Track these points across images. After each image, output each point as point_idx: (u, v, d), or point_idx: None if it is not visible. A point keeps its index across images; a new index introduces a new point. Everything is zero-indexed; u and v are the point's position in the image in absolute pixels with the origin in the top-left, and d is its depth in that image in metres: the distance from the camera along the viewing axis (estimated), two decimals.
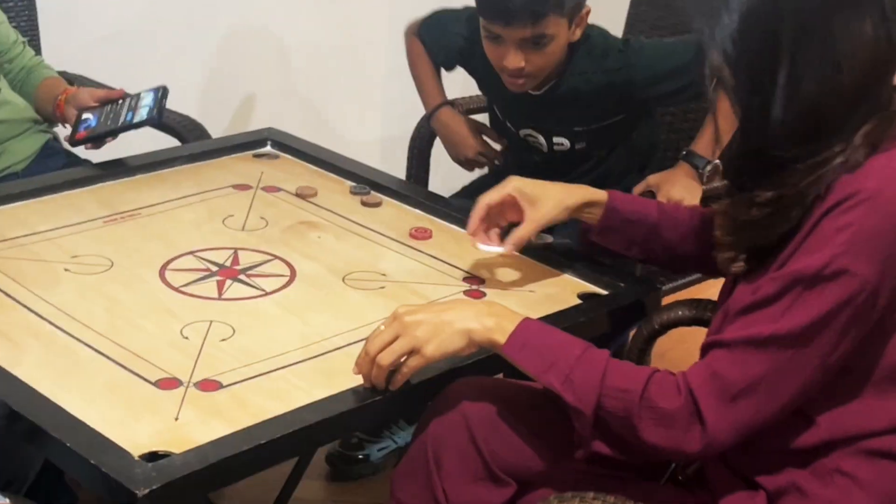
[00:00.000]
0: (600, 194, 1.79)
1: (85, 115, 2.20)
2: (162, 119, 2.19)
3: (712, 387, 1.39)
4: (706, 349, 1.43)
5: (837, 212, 1.34)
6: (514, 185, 1.80)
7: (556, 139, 2.35)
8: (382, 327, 1.50)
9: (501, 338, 1.47)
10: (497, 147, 2.46)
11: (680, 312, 1.81)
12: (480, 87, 2.50)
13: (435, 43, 2.48)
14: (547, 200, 1.78)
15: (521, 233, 1.79)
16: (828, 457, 1.42)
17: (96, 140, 2.19)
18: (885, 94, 1.39)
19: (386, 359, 1.47)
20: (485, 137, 2.46)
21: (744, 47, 1.36)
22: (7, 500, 1.52)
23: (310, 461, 2.10)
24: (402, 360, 1.49)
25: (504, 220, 1.84)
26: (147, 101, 2.18)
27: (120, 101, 2.19)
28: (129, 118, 2.17)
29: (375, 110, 3.50)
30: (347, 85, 3.44)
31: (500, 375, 1.71)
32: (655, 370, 1.44)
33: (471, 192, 2.31)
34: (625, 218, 1.77)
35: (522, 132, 2.38)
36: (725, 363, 1.39)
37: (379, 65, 3.45)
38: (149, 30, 2.95)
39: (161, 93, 2.18)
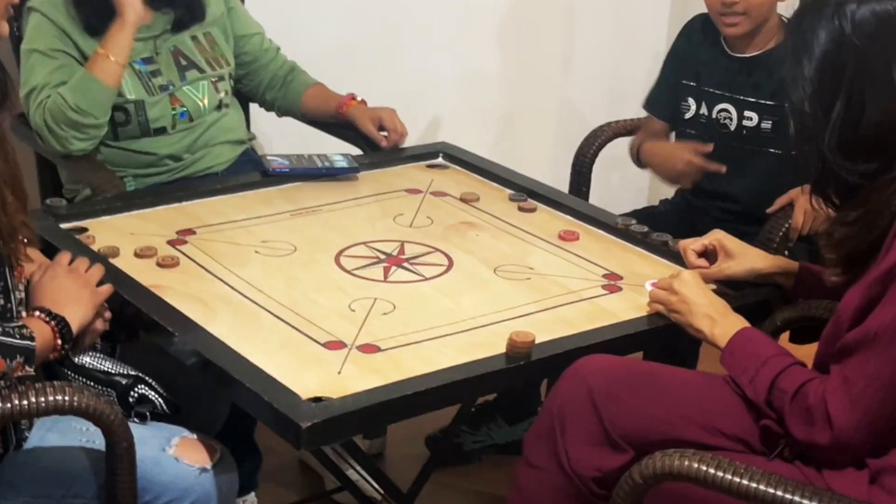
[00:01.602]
0: (792, 266, 1.99)
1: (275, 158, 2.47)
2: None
3: (840, 388, 1.60)
4: (836, 355, 1.63)
5: None
6: (717, 237, 2.02)
7: (746, 112, 2.53)
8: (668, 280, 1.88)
9: (722, 343, 1.80)
10: (706, 148, 2.60)
11: (800, 312, 1.97)
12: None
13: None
14: (742, 259, 2.00)
15: (706, 273, 1.99)
16: None
17: (287, 177, 2.45)
18: None
19: (655, 298, 1.90)
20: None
21: (818, 84, 1.64)
22: (195, 436, 1.79)
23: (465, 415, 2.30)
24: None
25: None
26: (338, 159, 2.47)
27: (310, 155, 2.48)
28: (324, 167, 2.45)
29: (548, 131, 3.73)
30: (525, 107, 3.69)
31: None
32: (815, 377, 1.65)
33: (639, 215, 2.51)
34: (812, 290, 1.96)
35: (717, 108, 2.57)
36: (849, 365, 1.60)
37: (553, 89, 3.69)
38: (350, 51, 3.24)
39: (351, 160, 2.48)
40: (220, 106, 2.59)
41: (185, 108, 2.52)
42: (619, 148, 3.01)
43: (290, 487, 2.63)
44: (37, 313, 1.68)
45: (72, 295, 1.74)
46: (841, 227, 1.69)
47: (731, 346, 1.78)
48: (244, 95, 2.76)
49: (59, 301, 1.72)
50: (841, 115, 1.62)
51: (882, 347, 1.57)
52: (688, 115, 2.65)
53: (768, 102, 2.53)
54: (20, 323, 1.63)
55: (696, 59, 2.64)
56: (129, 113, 2.46)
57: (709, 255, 2.04)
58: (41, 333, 1.64)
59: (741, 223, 2.52)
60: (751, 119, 2.55)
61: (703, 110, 2.63)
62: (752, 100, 2.55)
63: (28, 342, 1.59)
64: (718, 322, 1.82)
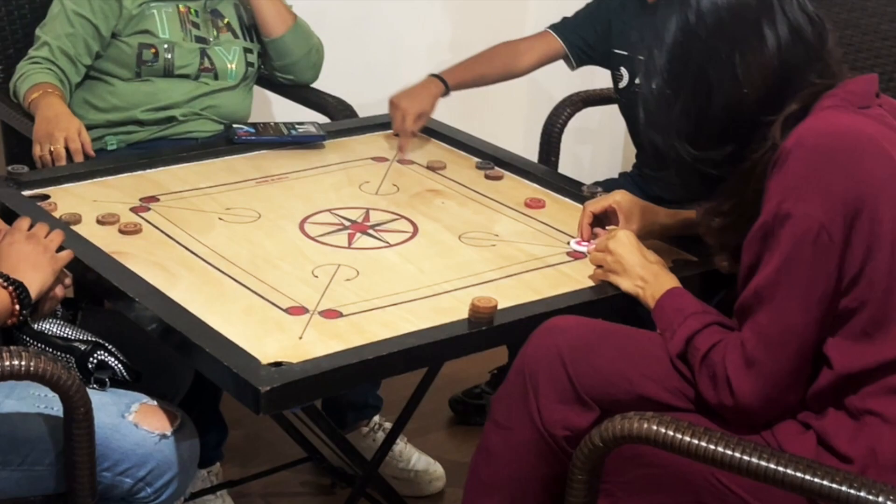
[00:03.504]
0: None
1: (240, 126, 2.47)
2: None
3: (737, 352, 1.62)
4: (736, 318, 1.67)
5: (771, 174, 1.59)
6: (616, 199, 2.03)
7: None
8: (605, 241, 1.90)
9: (652, 303, 1.81)
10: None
11: None
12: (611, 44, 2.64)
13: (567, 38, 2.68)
14: (640, 219, 2.01)
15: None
16: (857, 395, 1.58)
17: (253, 144, 2.44)
18: (804, 83, 1.65)
19: (594, 260, 1.92)
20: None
21: (667, 73, 1.71)
22: (155, 403, 1.78)
23: (427, 387, 2.31)
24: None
25: (607, 224, 2.05)
26: (305, 127, 2.46)
27: (276, 123, 2.48)
28: (290, 135, 2.43)
29: (519, 102, 3.72)
30: None
31: None
32: (725, 339, 1.65)
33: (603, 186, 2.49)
34: None
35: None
36: (744, 328, 1.63)
37: None
38: (321, 20, 3.21)
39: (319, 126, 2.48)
40: (245, 78, 2.63)
41: (213, 66, 2.57)
42: (590, 119, 3.02)
43: (255, 459, 2.63)
44: None
45: (31, 260, 1.73)
46: (716, 217, 1.74)
47: (659, 303, 1.79)
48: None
49: (17, 266, 1.70)
50: (689, 103, 1.68)
51: (766, 304, 1.59)
52: (621, 85, 2.60)
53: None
54: None
55: (621, 20, 2.57)
56: (158, 53, 2.53)
57: (610, 216, 2.05)
58: None
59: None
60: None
61: (636, 79, 2.56)
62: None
63: None
64: (650, 282, 1.83)
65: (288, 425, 2.46)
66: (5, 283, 1.66)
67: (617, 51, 2.60)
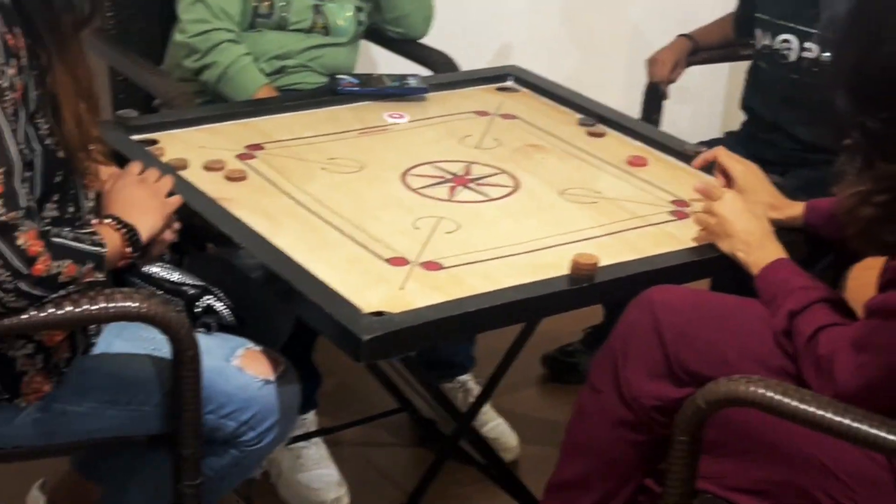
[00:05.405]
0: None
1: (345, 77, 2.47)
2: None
3: (850, 349, 1.56)
4: (864, 312, 1.60)
5: None
6: (741, 170, 1.96)
7: (806, 44, 2.49)
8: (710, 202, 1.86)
9: (755, 270, 1.77)
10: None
11: None
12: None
13: None
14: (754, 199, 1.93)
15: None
16: None
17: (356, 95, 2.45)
18: None
19: (698, 221, 1.89)
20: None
21: (848, 26, 1.59)
22: (259, 349, 1.80)
23: (523, 343, 2.32)
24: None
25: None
26: (408, 79, 2.45)
27: (380, 75, 2.48)
28: (393, 86, 2.43)
29: (619, 58, 3.68)
30: (596, 32, 3.64)
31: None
32: (832, 323, 1.61)
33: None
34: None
35: (779, 39, 2.54)
36: (865, 329, 1.57)
37: (627, 19, 3.63)
38: None
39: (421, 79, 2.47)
40: (354, 37, 2.65)
41: (325, 23, 2.59)
42: (691, 79, 2.97)
43: (348, 408, 2.66)
44: (107, 220, 1.70)
45: (142, 204, 1.76)
46: (867, 207, 1.55)
47: (763, 272, 1.75)
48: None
49: (129, 210, 1.74)
50: (858, 54, 1.55)
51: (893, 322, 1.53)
52: (757, 47, 2.62)
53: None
54: (91, 229, 1.65)
55: None
56: (273, 7, 2.55)
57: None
58: (111, 240, 1.66)
59: (808, 152, 2.49)
60: (810, 50, 2.50)
61: (767, 41, 2.58)
62: (814, 31, 2.49)
63: (99, 248, 1.61)
64: (754, 249, 1.79)
65: (382, 376, 2.49)
66: (117, 226, 1.69)
67: (758, 15, 2.62)
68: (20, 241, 1.49)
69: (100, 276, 1.60)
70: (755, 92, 2.68)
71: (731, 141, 2.67)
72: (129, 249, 1.69)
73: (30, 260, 1.50)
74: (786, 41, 2.54)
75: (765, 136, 2.60)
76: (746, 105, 2.72)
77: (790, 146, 2.56)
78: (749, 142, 2.62)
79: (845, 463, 1.57)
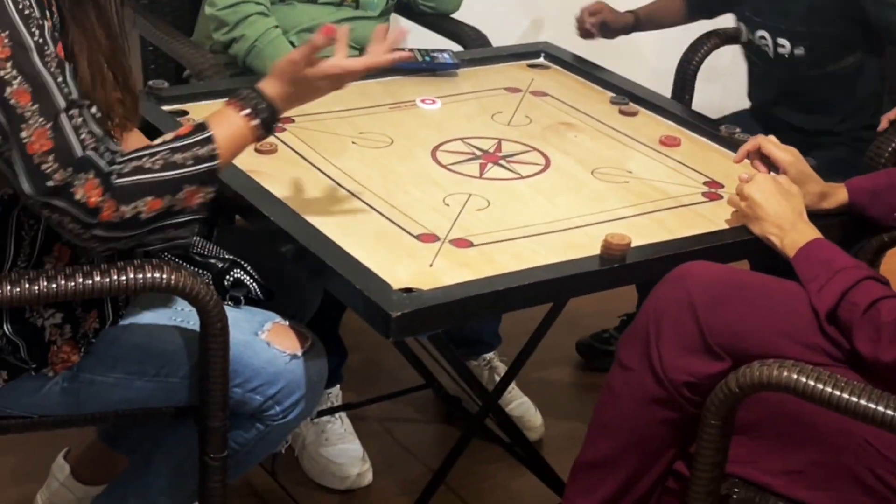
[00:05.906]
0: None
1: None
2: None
3: None
4: None
5: None
6: (788, 160, 1.91)
7: (779, 40, 2.47)
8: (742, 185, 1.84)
9: (791, 252, 1.75)
10: None
11: None
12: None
13: None
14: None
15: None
16: None
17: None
18: None
19: (731, 203, 1.88)
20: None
21: None
22: (287, 323, 1.80)
23: (551, 322, 2.30)
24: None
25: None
26: (440, 54, 2.44)
27: (412, 49, 2.47)
28: (425, 61, 2.42)
29: (650, 37, 3.64)
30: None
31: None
32: (892, 295, 1.59)
33: (730, 120, 2.46)
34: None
35: (757, 35, 2.52)
36: None
37: None
38: None
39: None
40: (385, 11, 2.63)
41: None
42: (722, 58, 2.94)
43: (373, 384, 2.66)
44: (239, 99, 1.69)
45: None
46: None
47: (801, 252, 1.73)
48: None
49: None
50: None
51: None
52: (742, 40, 2.61)
53: (799, 29, 2.45)
54: (202, 136, 1.62)
55: None
56: None
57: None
58: (230, 130, 1.67)
59: (811, 137, 2.49)
60: (784, 46, 2.48)
61: (749, 35, 2.57)
62: (783, 27, 2.47)
63: (202, 166, 1.60)
64: (788, 231, 1.77)
65: (408, 352, 2.48)
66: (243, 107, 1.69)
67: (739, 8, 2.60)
68: (78, 196, 1.48)
69: (210, 193, 1.60)
70: (751, 82, 2.69)
71: (742, 117, 2.66)
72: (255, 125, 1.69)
73: (92, 211, 1.50)
74: (763, 37, 2.52)
75: (766, 125, 2.56)
76: (749, 94, 2.72)
77: (793, 135, 2.53)
78: (763, 117, 2.63)
79: (891, 440, 1.55)
